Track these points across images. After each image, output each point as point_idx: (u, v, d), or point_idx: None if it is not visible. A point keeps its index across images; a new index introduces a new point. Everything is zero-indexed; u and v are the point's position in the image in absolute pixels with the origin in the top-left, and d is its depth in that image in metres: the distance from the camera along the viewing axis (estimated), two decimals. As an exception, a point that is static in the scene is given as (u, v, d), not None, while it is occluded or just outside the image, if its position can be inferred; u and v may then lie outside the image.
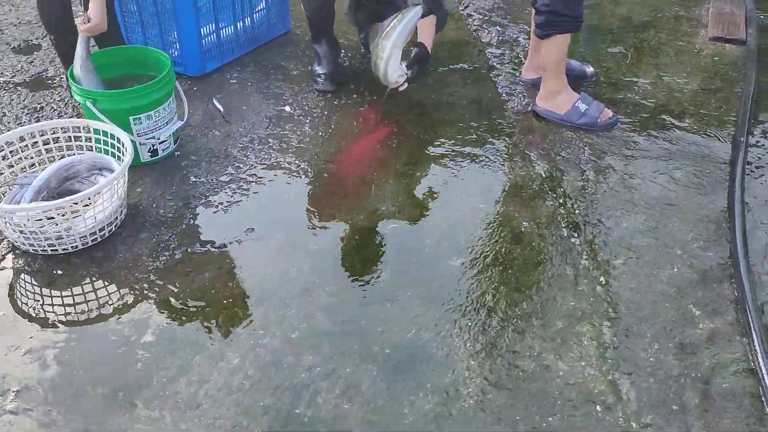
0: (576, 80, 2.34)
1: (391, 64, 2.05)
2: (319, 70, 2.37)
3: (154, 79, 1.90)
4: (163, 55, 2.02)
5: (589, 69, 2.40)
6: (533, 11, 2.17)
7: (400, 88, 2.18)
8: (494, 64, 2.54)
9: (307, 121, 2.21)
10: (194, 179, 1.94)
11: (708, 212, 1.82)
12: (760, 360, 1.39)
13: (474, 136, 2.14)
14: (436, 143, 2.11)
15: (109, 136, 1.83)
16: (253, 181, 1.93)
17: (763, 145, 2.08)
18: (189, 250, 1.69)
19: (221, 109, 2.24)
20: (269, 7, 2.61)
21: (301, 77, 2.44)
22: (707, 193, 1.89)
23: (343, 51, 2.59)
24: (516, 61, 2.55)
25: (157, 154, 2.00)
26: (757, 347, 1.42)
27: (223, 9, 2.42)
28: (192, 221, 1.78)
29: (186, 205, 1.84)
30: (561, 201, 1.86)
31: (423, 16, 2.09)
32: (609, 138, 2.12)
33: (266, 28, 2.64)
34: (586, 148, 2.08)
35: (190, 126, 2.17)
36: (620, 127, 2.16)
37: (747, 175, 1.93)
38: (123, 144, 1.78)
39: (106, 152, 1.85)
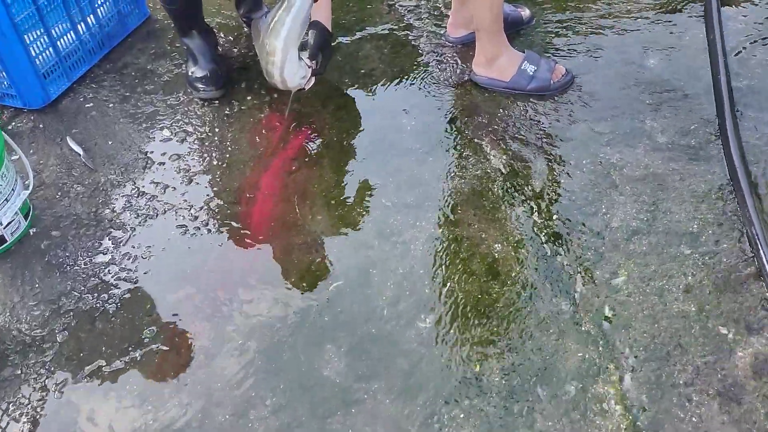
0: (511, 28, 1.93)
1: (287, 67, 1.55)
2: (196, 72, 1.85)
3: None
4: (-26, 107, 1.48)
5: (525, 12, 1.98)
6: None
7: (306, 87, 1.70)
8: (411, 21, 2.08)
9: (195, 146, 1.72)
10: (61, 268, 1.46)
11: (708, 185, 1.50)
12: (823, 394, 1.12)
13: (408, 130, 1.72)
14: (364, 149, 1.69)
15: None
16: (139, 256, 1.47)
17: (750, 84, 1.75)
18: (73, 383, 1.25)
19: (80, 152, 1.72)
20: (115, -7, 2.03)
21: (177, 82, 1.92)
22: (700, 157, 1.57)
23: (221, 36, 2.07)
24: (436, 13, 2.10)
25: (5, 242, 1.50)
26: (814, 376, 1.14)
27: (53, 11, 1.84)
28: (68, 337, 1.33)
29: (56, 312, 1.37)
30: (532, 205, 1.50)
31: None
32: (568, 102, 1.74)
33: (117, 22, 2.06)
34: (544, 121, 1.70)
35: (44, 185, 1.65)
36: (578, 84, 1.79)
37: (739, 126, 1.61)
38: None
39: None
